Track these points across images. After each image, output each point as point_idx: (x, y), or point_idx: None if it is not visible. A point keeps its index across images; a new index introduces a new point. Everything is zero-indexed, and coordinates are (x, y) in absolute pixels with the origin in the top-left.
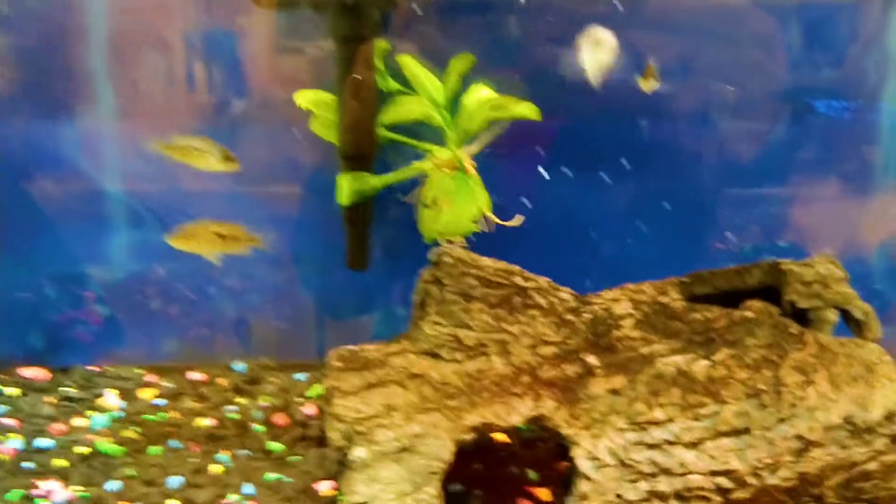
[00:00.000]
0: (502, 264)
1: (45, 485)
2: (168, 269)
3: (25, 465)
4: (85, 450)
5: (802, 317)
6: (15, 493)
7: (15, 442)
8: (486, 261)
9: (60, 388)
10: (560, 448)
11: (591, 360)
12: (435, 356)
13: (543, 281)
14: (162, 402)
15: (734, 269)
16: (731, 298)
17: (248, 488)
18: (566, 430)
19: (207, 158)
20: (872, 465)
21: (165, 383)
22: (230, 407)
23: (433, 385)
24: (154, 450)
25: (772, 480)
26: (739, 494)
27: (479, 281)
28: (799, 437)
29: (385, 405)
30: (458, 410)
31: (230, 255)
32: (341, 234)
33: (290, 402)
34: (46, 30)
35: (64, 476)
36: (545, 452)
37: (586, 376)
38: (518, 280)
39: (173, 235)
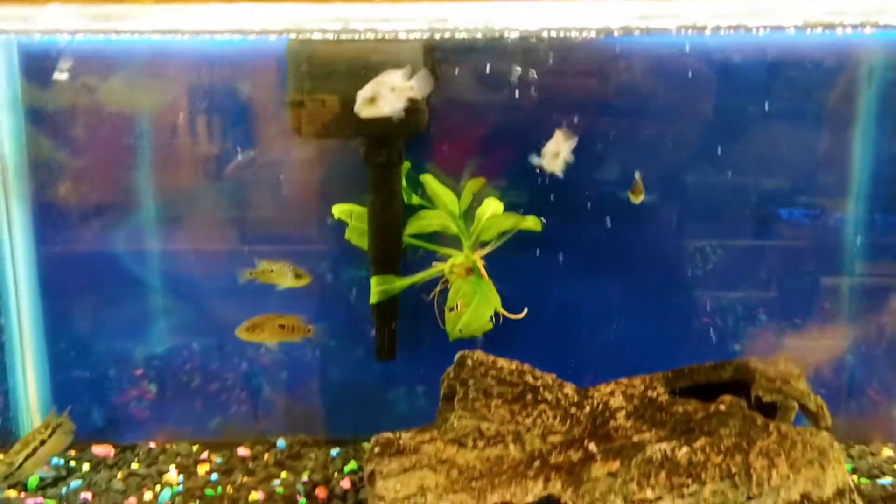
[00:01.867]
0: (515, 365)
1: None
2: (214, 353)
3: None
4: None
5: (770, 404)
6: None
7: None
8: (502, 362)
9: (127, 465)
10: None
11: (592, 447)
12: (461, 444)
13: (550, 378)
14: (215, 476)
15: (710, 365)
16: (706, 390)
17: None
18: None
19: (285, 278)
20: None
21: (216, 458)
22: (276, 481)
23: (459, 469)
24: None
25: None
26: None
27: (496, 380)
28: None
29: (419, 486)
30: (481, 491)
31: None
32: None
33: (328, 476)
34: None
35: None
36: None
37: (588, 461)
38: (529, 378)
39: (242, 328)
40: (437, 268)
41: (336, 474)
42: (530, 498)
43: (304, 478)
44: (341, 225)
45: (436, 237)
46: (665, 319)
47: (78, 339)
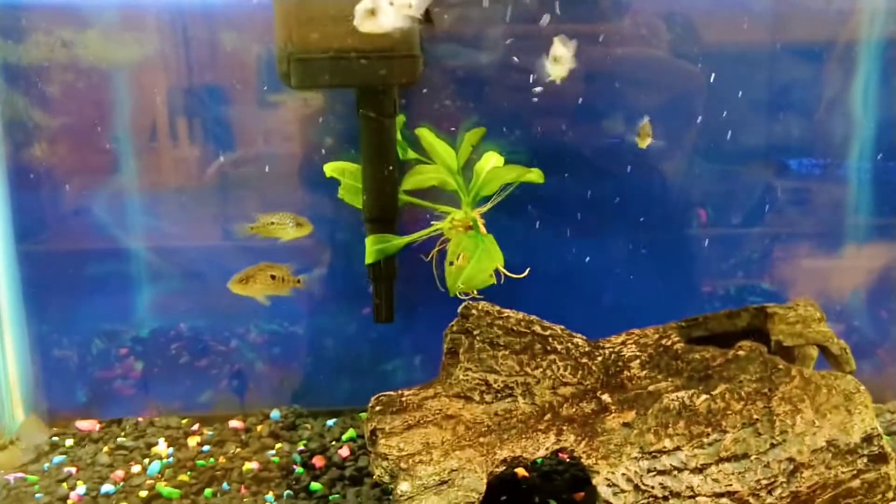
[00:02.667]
0: (522, 315)
1: None
2: (199, 324)
3: None
4: (146, 493)
5: (788, 353)
6: None
7: (80, 489)
8: (509, 312)
9: (114, 440)
10: (574, 479)
11: (605, 397)
12: (467, 398)
13: (559, 329)
14: (207, 448)
15: (725, 313)
16: (722, 339)
17: None
18: (587, 461)
19: (286, 229)
20: (855, 483)
21: (208, 431)
22: (271, 452)
23: (466, 424)
24: (208, 492)
25: (769, 500)
26: None
27: (503, 330)
28: (790, 460)
29: (424, 443)
30: (489, 446)
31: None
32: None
33: (326, 445)
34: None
35: None
36: (563, 484)
37: (601, 412)
38: (537, 329)
39: (234, 281)
40: (435, 226)
41: (333, 443)
42: (542, 452)
43: (301, 447)
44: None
45: (434, 193)
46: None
47: (59, 312)
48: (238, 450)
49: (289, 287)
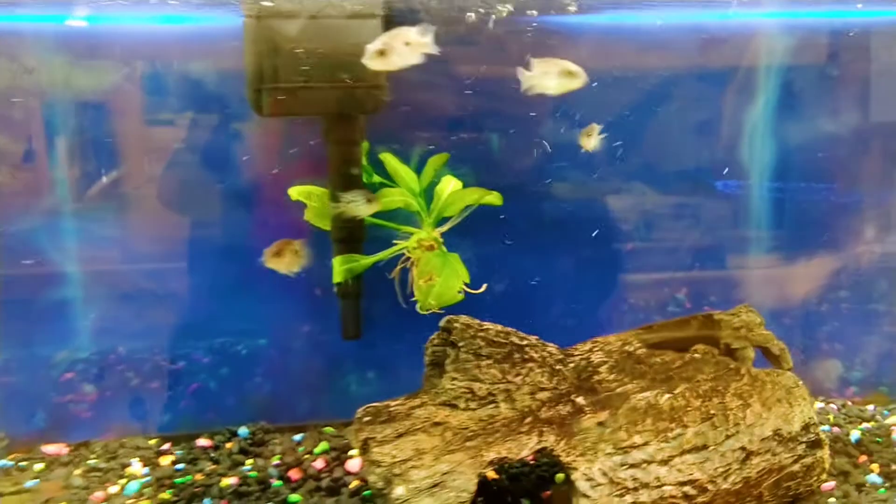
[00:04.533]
0: (500, 327)
1: None
2: (154, 344)
3: None
4: None
5: (732, 355)
6: None
7: None
8: (488, 325)
9: (84, 462)
10: (540, 479)
11: (579, 400)
12: (453, 406)
13: (534, 339)
14: (181, 466)
15: (678, 320)
16: (675, 344)
17: None
18: (565, 458)
19: (359, 206)
20: (796, 467)
21: (177, 450)
22: (245, 467)
23: (454, 430)
24: None
25: (724, 485)
26: (701, 499)
27: (485, 342)
28: (742, 449)
29: (415, 450)
30: (476, 449)
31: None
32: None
33: (299, 458)
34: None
35: None
36: (530, 484)
37: (577, 414)
38: (515, 339)
39: (269, 254)
40: (400, 245)
41: (307, 456)
42: (526, 452)
43: (275, 461)
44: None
45: (395, 215)
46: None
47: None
48: (213, 466)
49: (303, 262)
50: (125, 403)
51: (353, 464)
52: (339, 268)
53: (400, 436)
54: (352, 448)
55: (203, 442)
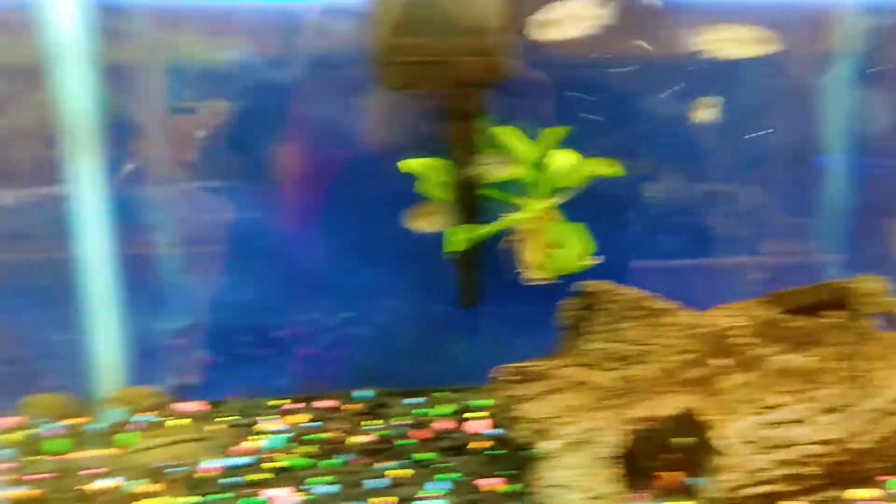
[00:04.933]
0: (636, 291)
1: (268, 492)
2: (270, 311)
3: (229, 480)
4: (276, 464)
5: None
6: (248, 501)
7: (215, 462)
8: (623, 289)
9: (221, 418)
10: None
11: (717, 362)
12: (596, 367)
13: (667, 303)
14: (313, 424)
15: (804, 288)
16: (805, 311)
17: (431, 486)
18: (708, 418)
19: (495, 168)
20: None
21: (304, 411)
22: (370, 427)
23: (597, 390)
24: (330, 462)
25: (861, 445)
26: (841, 458)
27: (622, 305)
28: (876, 410)
29: (560, 407)
30: (621, 408)
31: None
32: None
33: (424, 420)
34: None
35: (270, 486)
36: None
37: (717, 375)
38: (650, 304)
39: (415, 217)
40: (515, 215)
41: (427, 418)
42: (669, 411)
43: (396, 422)
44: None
45: (511, 186)
46: None
47: (151, 299)
48: (342, 425)
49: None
50: (246, 367)
51: (475, 425)
52: (459, 237)
53: (545, 394)
54: (470, 410)
55: (324, 403)
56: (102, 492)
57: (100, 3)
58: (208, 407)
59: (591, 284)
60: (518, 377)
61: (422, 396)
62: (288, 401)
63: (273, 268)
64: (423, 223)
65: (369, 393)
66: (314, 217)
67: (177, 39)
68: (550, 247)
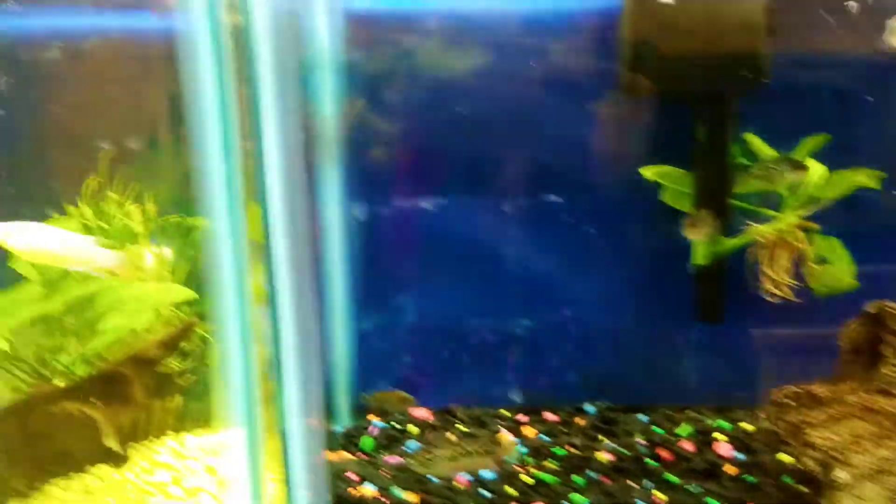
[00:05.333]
0: None
1: None
2: (504, 318)
3: (483, 492)
4: (526, 479)
5: None
6: None
7: (463, 475)
8: None
9: (454, 427)
10: None
11: None
12: (886, 394)
13: None
14: (546, 438)
15: None
16: None
17: None
18: None
19: (783, 176)
20: None
21: (533, 423)
22: (607, 443)
23: (890, 417)
24: (578, 479)
25: None
26: None
27: None
28: None
29: (852, 435)
30: None
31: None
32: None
33: (664, 439)
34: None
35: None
36: None
37: None
38: None
39: (685, 228)
40: (764, 227)
41: (670, 437)
42: None
43: (638, 440)
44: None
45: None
46: None
47: (386, 303)
48: (577, 440)
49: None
50: (471, 374)
51: (724, 447)
52: (705, 250)
53: (833, 420)
54: (710, 430)
55: (550, 416)
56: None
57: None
58: (431, 415)
59: (881, 304)
60: (798, 400)
61: (650, 412)
62: (516, 411)
63: (499, 274)
64: (692, 232)
65: (593, 407)
66: (545, 225)
67: (421, 48)
68: (811, 262)
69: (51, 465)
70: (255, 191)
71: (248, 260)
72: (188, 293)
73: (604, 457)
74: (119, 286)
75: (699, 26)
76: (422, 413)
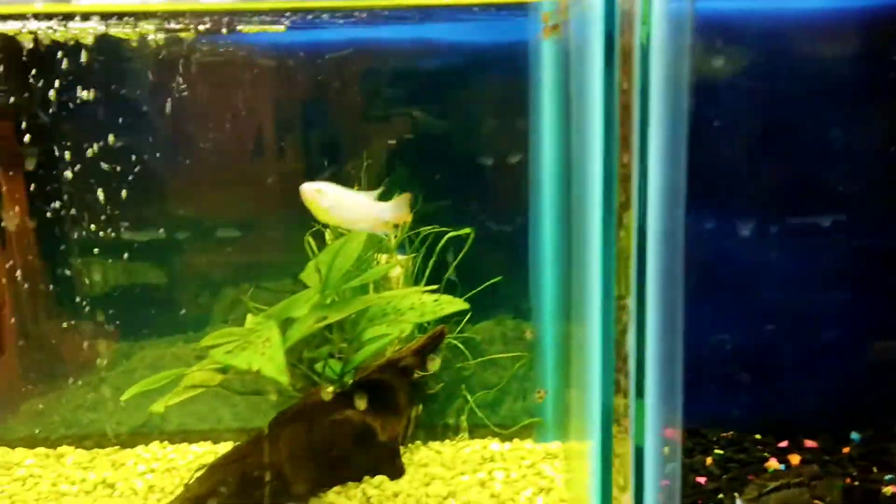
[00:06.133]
0: None
1: None
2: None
3: None
4: None
5: None
6: None
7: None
8: None
9: (713, 451)
10: None
11: None
12: None
13: None
14: (811, 467)
15: None
16: None
17: None
18: None
19: None
20: None
21: (792, 450)
22: (887, 475)
23: None
24: None
25: None
26: None
27: None
28: None
29: None
30: None
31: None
32: None
33: None
34: None
35: None
36: None
37: None
38: None
39: None
40: None
41: None
42: None
43: None
44: None
45: None
46: None
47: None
48: (851, 470)
49: None
50: (716, 395)
51: None
52: None
53: None
54: None
55: (810, 443)
56: None
57: None
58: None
59: None
60: None
61: None
62: (773, 437)
63: (753, 293)
64: None
65: (856, 435)
66: (805, 241)
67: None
68: None
69: (333, 473)
70: (630, 199)
71: (614, 269)
72: (463, 304)
73: (889, 489)
74: (393, 297)
75: None
76: (672, 433)
